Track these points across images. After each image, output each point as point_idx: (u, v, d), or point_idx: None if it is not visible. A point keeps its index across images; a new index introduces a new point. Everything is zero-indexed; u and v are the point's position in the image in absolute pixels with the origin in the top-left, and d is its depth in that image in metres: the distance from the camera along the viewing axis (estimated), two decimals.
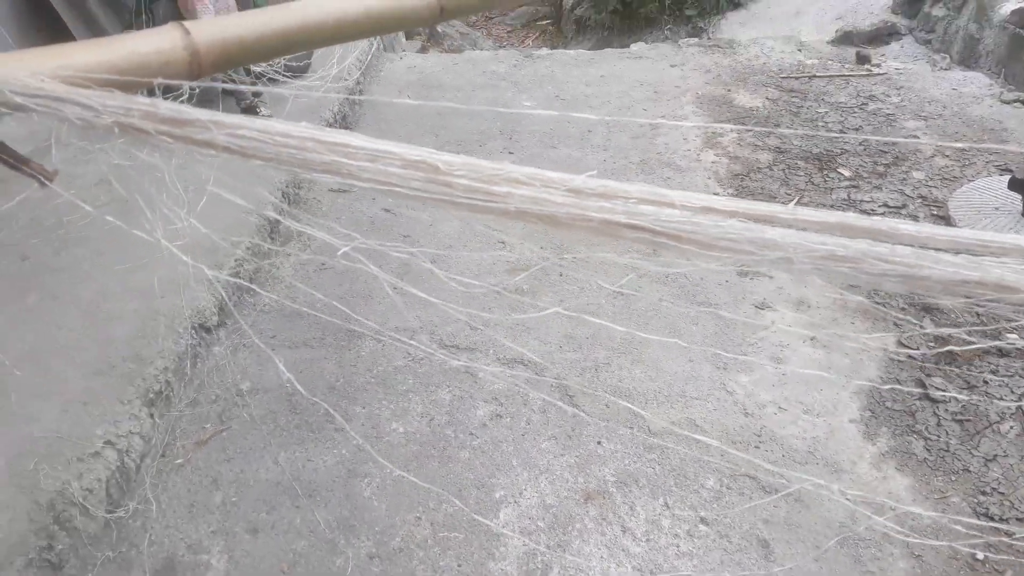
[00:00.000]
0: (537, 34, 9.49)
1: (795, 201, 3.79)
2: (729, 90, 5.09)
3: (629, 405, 2.64)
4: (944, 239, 0.73)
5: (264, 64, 4.34)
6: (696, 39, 6.46)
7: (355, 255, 0.98)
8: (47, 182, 0.95)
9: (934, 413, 2.63)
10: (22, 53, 0.82)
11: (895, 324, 3.01)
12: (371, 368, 2.89)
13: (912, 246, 0.72)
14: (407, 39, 7.80)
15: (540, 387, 2.79)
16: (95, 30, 4.60)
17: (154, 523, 2.32)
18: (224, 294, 3.09)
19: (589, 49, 6.95)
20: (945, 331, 2.64)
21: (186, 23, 0.90)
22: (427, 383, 2.81)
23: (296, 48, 0.95)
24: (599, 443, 2.56)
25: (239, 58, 0.92)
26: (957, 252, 0.72)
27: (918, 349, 2.86)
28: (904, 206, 3.72)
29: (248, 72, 4.28)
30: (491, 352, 2.94)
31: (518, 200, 0.76)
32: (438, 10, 1.00)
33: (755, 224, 0.74)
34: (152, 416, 2.56)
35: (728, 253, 0.73)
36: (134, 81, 0.86)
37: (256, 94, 4.44)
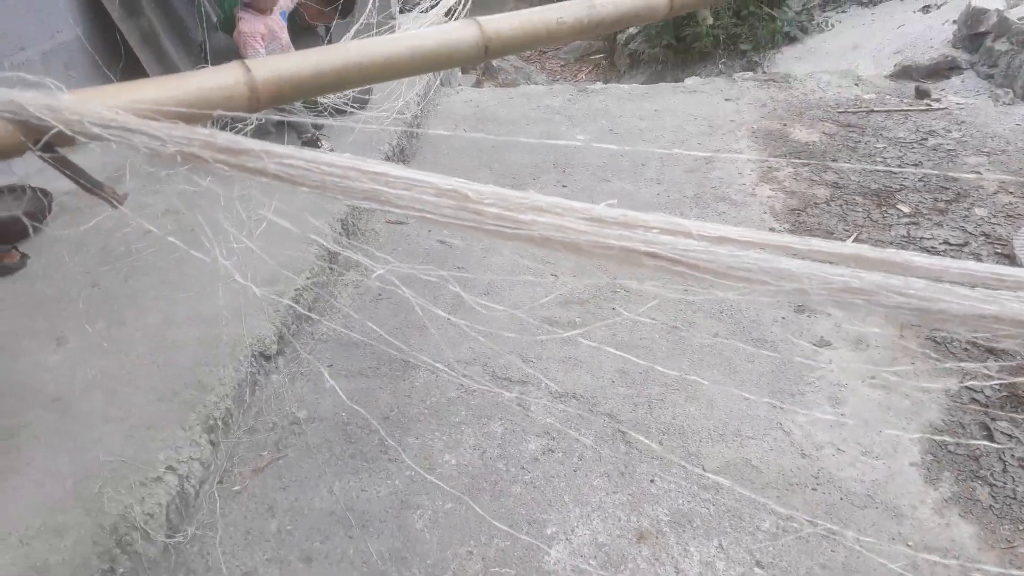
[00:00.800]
0: (591, 68, 9.57)
1: (853, 237, 3.73)
2: (785, 124, 5.05)
3: (674, 462, 2.61)
4: (958, 272, 0.72)
5: (333, 96, 4.48)
6: (751, 73, 6.44)
7: (389, 278, 1.01)
8: (118, 204, 1.00)
9: (1000, 458, 2.53)
10: (101, 89, 0.87)
11: (958, 364, 2.91)
12: (425, 399, 2.91)
13: (927, 279, 0.71)
14: (463, 73, 7.94)
15: (592, 422, 2.77)
16: (166, 64, 4.80)
17: (211, 549, 2.36)
18: (285, 321, 3.16)
19: (643, 83, 6.98)
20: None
21: (247, 61, 0.94)
22: (479, 415, 2.82)
23: (348, 85, 0.99)
24: (652, 481, 2.53)
25: (294, 94, 0.96)
26: (973, 286, 0.71)
27: (982, 391, 2.77)
28: (966, 244, 3.62)
29: (315, 105, 4.41)
30: (543, 386, 2.94)
31: (542, 227, 0.79)
32: (483, 49, 1.04)
33: (771, 254, 0.74)
34: (212, 443, 2.62)
35: (745, 283, 0.74)
36: (199, 114, 0.90)
37: (317, 127, 4.57)
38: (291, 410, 2.87)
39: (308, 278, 3.40)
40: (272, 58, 0.95)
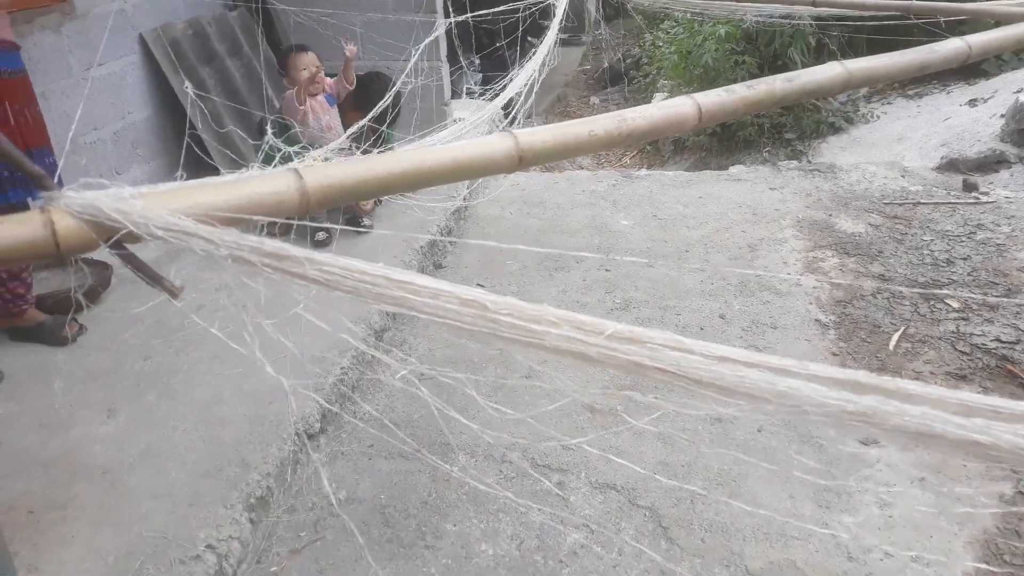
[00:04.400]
0: (635, 153, 9.70)
1: (900, 331, 3.67)
2: (830, 215, 5.04)
3: (716, 562, 2.54)
4: (954, 402, 0.74)
5: None
6: (796, 162, 6.47)
7: (411, 378, 1.08)
8: (176, 296, 1.08)
9: None
10: (164, 193, 0.95)
11: (1012, 469, 2.81)
12: (464, 484, 2.90)
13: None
14: None
15: (632, 516, 2.72)
16: (227, 143, 5.02)
17: None
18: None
19: (687, 170, 7.05)
20: None
21: (299, 167, 1.01)
22: (518, 503, 2.80)
23: (392, 191, 1.06)
24: None
25: (341, 198, 1.03)
26: (969, 416, 0.73)
27: None
28: (1018, 341, 3.53)
29: None
30: (583, 475, 2.91)
31: (554, 338, 0.85)
32: (517, 160, 1.11)
33: (772, 374, 0.78)
34: (251, 521, 2.64)
35: (746, 399, 0.78)
36: (252, 218, 0.97)
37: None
38: (331, 490, 2.89)
39: (354, 356, 3.45)
40: (322, 165, 1.02)
